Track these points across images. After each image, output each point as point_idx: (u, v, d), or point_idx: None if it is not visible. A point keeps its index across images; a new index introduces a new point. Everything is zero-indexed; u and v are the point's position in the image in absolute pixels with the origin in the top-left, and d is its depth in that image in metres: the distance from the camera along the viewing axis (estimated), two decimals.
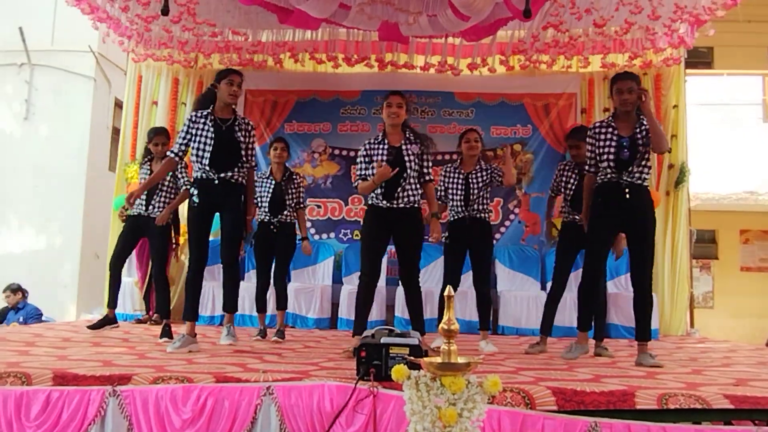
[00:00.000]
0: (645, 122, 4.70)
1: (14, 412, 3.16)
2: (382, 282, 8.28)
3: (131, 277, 8.46)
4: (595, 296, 4.99)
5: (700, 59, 12.80)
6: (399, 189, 4.82)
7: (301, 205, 6.39)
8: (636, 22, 7.38)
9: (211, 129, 4.90)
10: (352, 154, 8.89)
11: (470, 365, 2.34)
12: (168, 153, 5.09)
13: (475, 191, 5.79)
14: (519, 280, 8.42)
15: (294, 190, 6.30)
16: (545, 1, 6.63)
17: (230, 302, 5.24)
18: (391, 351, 3.23)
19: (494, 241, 8.78)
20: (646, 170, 4.70)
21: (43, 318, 9.24)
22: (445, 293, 2.43)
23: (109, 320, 6.26)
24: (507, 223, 8.96)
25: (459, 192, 5.82)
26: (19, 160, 10.78)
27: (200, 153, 4.90)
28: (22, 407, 3.17)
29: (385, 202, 4.85)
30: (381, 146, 4.89)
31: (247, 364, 3.96)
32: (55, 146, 10.78)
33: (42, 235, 10.63)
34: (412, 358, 3.03)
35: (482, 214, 5.85)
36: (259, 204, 6.27)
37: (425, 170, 4.93)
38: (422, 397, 2.33)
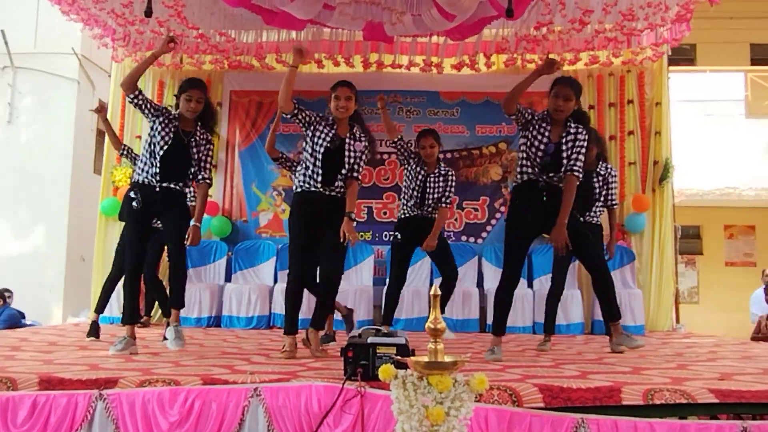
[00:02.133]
0: (572, 130, 4.60)
1: (0, 418, 3.15)
2: (368, 281, 8.35)
3: None
4: (510, 301, 4.87)
5: (682, 56, 12.86)
6: (336, 179, 4.69)
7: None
8: (623, 22, 7.43)
9: (172, 137, 4.79)
10: None
11: (457, 364, 2.35)
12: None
13: (431, 195, 5.89)
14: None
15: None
16: (530, 1, 6.65)
17: (179, 298, 4.98)
18: (378, 350, 3.24)
19: (480, 240, 8.90)
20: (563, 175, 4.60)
21: (28, 322, 9.19)
22: (431, 292, 2.43)
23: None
24: (493, 221, 8.98)
25: (416, 190, 5.90)
26: (3, 164, 10.70)
27: (152, 155, 4.77)
28: (8, 413, 3.15)
29: (323, 188, 4.67)
30: (328, 130, 4.71)
31: (235, 365, 3.96)
32: (39, 149, 10.70)
33: (27, 239, 10.55)
34: (399, 357, 3.04)
35: (433, 215, 5.97)
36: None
37: (356, 166, 4.76)
38: (409, 396, 2.34)
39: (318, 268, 5.83)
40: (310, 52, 4.79)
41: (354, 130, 4.80)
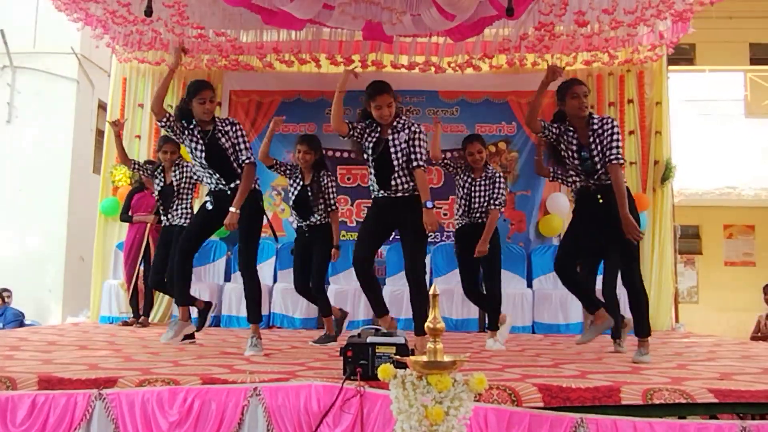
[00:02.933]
0: (596, 124, 4.58)
1: None
2: None
3: (117, 279, 8.43)
4: (578, 281, 5.00)
5: (682, 56, 12.87)
6: (391, 179, 4.64)
7: (332, 208, 5.94)
8: (623, 21, 7.41)
9: (202, 141, 4.84)
10: (337, 154, 8.89)
11: (456, 363, 2.35)
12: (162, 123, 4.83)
13: (477, 200, 5.75)
14: (505, 278, 8.35)
15: (321, 193, 5.88)
16: (530, 1, 6.64)
17: (252, 312, 5.03)
18: (377, 350, 3.24)
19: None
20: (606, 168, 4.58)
21: (28, 322, 9.19)
22: (431, 292, 2.43)
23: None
24: None
25: (464, 199, 5.80)
26: (2, 163, 10.70)
27: (203, 167, 4.89)
28: (8, 412, 3.15)
29: (382, 192, 4.70)
30: (373, 135, 4.72)
31: (234, 365, 3.96)
32: (38, 149, 10.70)
33: (26, 238, 10.56)
34: (398, 357, 3.04)
35: (484, 219, 5.76)
36: (291, 207, 6.01)
37: (413, 155, 4.60)
38: (409, 396, 2.34)
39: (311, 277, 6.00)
40: (358, 76, 4.84)
41: (395, 124, 4.70)
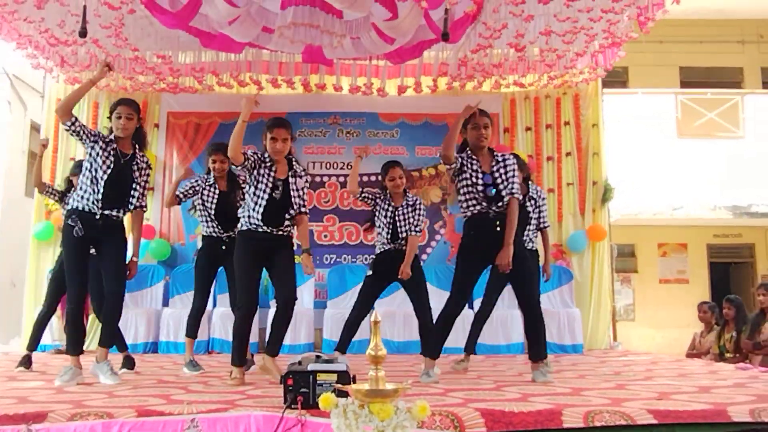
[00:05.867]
0: (499, 158, 4.81)
1: None
2: (309, 304, 8.27)
3: None
4: (451, 327, 5.14)
5: (616, 78, 13.16)
6: (285, 217, 4.77)
7: None
8: (556, 48, 7.56)
9: (113, 161, 4.68)
10: None
11: (398, 391, 2.33)
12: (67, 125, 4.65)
13: (403, 228, 5.73)
14: (445, 299, 8.44)
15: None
16: (468, 25, 6.72)
17: (107, 336, 4.83)
18: (318, 378, 3.19)
19: (421, 262, 8.90)
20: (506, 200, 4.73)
21: None
22: (372, 319, 2.41)
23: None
24: (433, 243, 9.02)
25: (387, 226, 5.77)
26: None
27: (93, 182, 4.65)
28: None
29: (266, 227, 4.72)
30: (268, 174, 4.75)
31: (171, 395, 3.86)
32: None
33: None
34: (339, 385, 3.00)
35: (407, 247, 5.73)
36: (206, 218, 5.73)
37: (302, 202, 4.86)
38: (350, 425, 2.30)
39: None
40: (259, 102, 4.84)
41: (294, 167, 4.85)
